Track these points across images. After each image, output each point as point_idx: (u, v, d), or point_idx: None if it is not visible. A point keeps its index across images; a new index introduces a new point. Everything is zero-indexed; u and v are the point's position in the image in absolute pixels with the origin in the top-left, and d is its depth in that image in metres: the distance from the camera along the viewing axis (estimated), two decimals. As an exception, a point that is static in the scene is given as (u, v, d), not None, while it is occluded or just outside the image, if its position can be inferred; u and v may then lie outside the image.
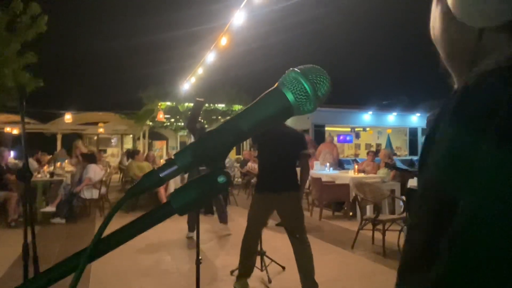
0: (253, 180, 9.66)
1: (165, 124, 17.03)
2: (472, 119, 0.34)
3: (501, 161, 0.31)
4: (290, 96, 0.45)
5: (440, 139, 0.38)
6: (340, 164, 13.06)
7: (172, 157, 0.46)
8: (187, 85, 12.55)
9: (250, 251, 3.50)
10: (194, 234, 5.48)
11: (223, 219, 5.63)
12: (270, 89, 0.47)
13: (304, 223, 3.43)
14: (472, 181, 0.32)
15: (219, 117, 15.60)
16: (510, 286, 0.30)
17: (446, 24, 0.50)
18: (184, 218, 5.60)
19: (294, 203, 3.39)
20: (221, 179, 0.44)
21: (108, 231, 0.44)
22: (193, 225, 5.52)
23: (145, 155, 10.15)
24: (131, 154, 9.74)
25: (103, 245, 0.43)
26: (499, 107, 0.32)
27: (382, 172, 7.30)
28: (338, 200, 7.35)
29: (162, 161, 12.36)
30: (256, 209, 3.48)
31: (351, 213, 6.94)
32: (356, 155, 17.86)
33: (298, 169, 3.57)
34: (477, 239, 0.31)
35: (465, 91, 0.37)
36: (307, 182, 7.50)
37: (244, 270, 3.46)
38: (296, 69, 0.46)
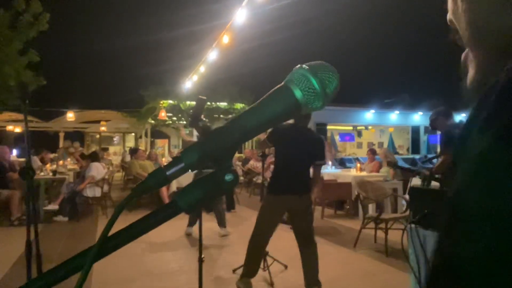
0: (255, 179, 9.67)
1: (167, 123, 17.04)
2: (509, 128, 0.30)
3: None
4: (298, 93, 0.44)
5: (472, 148, 0.34)
6: (342, 163, 13.06)
7: (178, 154, 0.46)
8: (189, 83, 12.55)
9: (258, 254, 3.46)
10: (193, 229, 5.53)
11: (222, 223, 5.61)
12: (277, 86, 0.46)
13: (313, 223, 3.45)
14: (504, 200, 0.29)
15: (221, 115, 15.60)
16: None
17: (471, 1, 0.44)
18: (187, 217, 5.60)
19: (307, 204, 3.40)
20: (228, 177, 0.44)
21: (110, 230, 0.44)
22: (193, 220, 5.54)
23: (147, 153, 10.16)
24: (133, 152, 9.76)
25: (109, 244, 0.43)
26: None
27: (384, 170, 7.28)
28: (340, 198, 7.34)
29: (165, 160, 12.38)
30: (270, 210, 3.42)
31: (352, 211, 6.93)
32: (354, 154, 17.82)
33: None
34: (503, 261, 0.29)
35: (503, 91, 0.33)
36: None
37: (249, 271, 3.42)
38: (304, 66, 0.45)
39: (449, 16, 0.49)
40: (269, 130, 3.36)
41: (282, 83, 0.46)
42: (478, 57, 0.46)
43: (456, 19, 0.47)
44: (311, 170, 3.55)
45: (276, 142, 3.48)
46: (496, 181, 0.30)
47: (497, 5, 0.41)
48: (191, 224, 5.57)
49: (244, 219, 6.51)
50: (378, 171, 7.43)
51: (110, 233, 0.43)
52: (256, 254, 3.44)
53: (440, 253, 0.36)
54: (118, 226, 0.45)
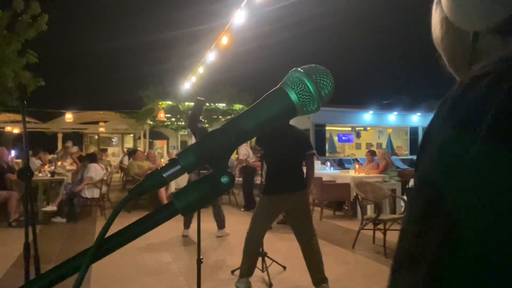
0: (254, 179, 9.63)
1: (165, 124, 17.04)
2: (463, 121, 0.36)
3: (488, 157, 0.32)
4: (293, 96, 0.45)
5: (433, 141, 0.39)
6: (340, 164, 13.07)
7: (175, 156, 0.46)
8: (187, 84, 12.56)
9: (254, 252, 3.51)
10: (189, 232, 5.52)
11: (221, 225, 5.60)
12: (273, 89, 0.46)
13: (312, 221, 3.47)
14: (460, 179, 0.33)
15: (220, 117, 15.60)
16: (501, 278, 0.30)
17: (445, 29, 0.50)
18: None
19: (304, 201, 3.45)
20: (224, 179, 0.44)
21: (108, 231, 0.44)
22: (188, 223, 5.54)
23: (145, 154, 10.15)
24: (131, 153, 9.75)
25: (106, 245, 0.43)
26: (488, 110, 0.34)
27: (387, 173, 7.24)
28: (339, 199, 7.34)
29: (163, 161, 12.37)
30: (265, 211, 3.47)
31: (350, 212, 6.94)
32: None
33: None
34: (465, 237, 0.32)
35: (458, 95, 0.38)
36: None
37: (247, 270, 3.47)
38: (299, 69, 0.46)
39: (433, 38, 0.56)
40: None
41: (278, 85, 0.46)
42: (456, 76, 0.54)
43: (436, 43, 0.55)
44: (304, 164, 3.58)
45: (264, 146, 3.52)
46: (454, 167, 0.34)
47: (460, 33, 0.48)
48: (186, 226, 5.57)
49: (243, 220, 6.50)
50: (375, 172, 7.43)
51: (108, 234, 0.43)
52: (253, 253, 3.48)
53: (404, 240, 0.39)
54: (116, 227, 0.45)
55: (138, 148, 14.52)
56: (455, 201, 0.33)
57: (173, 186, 7.01)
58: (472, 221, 0.32)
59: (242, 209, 7.96)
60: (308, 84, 0.45)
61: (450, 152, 0.36)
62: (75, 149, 10.88)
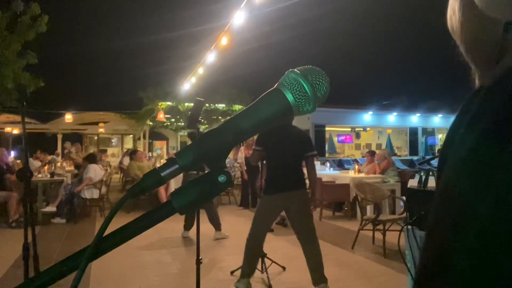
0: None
1: (165, 124, 17.03)
2: (494, 126, 0.33)
3: None
4: (289, 97, 0.45)
5: (460, 145, 0.36)
6: (340, 164, 13.07)
7: (173, 156, 0.47)
8: (187, 85, 12.56)
9: (256, 253, 3.52)
10: (190, 233, 5.51)
11: (217, 226, 5.57)
12: (270, 90, 0.47)
13: (312, 219, 3.47)
14: (491, 189, 0.31)
15: (220, 117, 15.61)
16: None
17: (467, 17, 0.47)
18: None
19: (303, 200, 3.46)
20: (221, 178, 0.45)
21: (108, 231, 0.44)
22: (189, 225, 5.51)
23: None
24: (131, 153, 9.73)
25: (104, 244, 0.44)
26: None
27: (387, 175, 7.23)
28: (339, 200, 7.35)
29: (163, 162, 12.35)
30: (265, 211, 3.49)
31: (350, 212, 6.94)
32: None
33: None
34: (493, 252, 0.30)
35: (487, 94, 0.36)
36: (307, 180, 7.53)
37: (248, 270, 3.47)
38: (295, 70, 0.47)
39: (449, 26, 0.52)
40: (255, 136, 3.43)
41: (275, 86, 0.47)
42: (476, 69, 0.49)
43: (453, 32, 0.50)
44: (305, 167, 3.59)
45: (264, 145, 3.53)
46: (483, 175, 0.32)
47: (486, 22, 0.44)
48: (187, 228, 5.55)
49: (242, 221, 6.51)
50: (375, 172, 7.42)
51: (106, 233, 0.44)
52: (254, 254, 3.49)
53: (431, 247, 0.37)
54: (115, 226, 0.46)
55: (138, 149, 14.52)
56: (488, 212, 0.31)
57: (173, 185, 7.01)
58: (503, 235, 0.30)
59: (241, 207, 8.08)
60: (304, 85, 0.45)
61: (479, 163, 0.33)
62: (74, 149, 10.87)
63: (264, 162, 3.84)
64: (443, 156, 0.39)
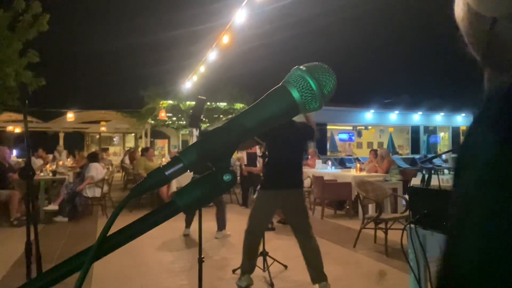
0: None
1: (167, 123, 17.04)
2: None
3: None
4: (295, 94, 0.44)
5: (477, 155, 0.34)
6: (342, 163, 13.06)
7: (177, 154, 0.46)
8: (189, 83, 12.55)
9: (254, 251, 3.52)
10: (190, 231, 5.51)
11: (222, 226, 5.55)
12: (275, 87, 0.46)
13: (309, 218, 3.47)
14: None
15: (221, 116, 15.61)
16: None
17: (466, 10, 0.47)
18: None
19: (300, 199, 3.48)
20: (227, 177, 0.44)
21: (110, 230, 0.44)
22: (190, 221, 5.53)
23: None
24: (143, 150, 9.69)
25: (108, 244, 0.43)
26: None
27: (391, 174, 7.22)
28: (340, 198, 7.34)
29: (164, 161, 12.33)
30: (263, 207, 3.49)
31: (352, 211, 6.93)
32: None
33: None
34: None
35: (502, 100, 0.34)
36: (309, 179, 7.54)
37: (247, 266, 3.49)
38: (301, 67, 0.46)
39: (457, 21, 0.51)
40: None
41: (280, 83, 0.46)
42: (486, 70, 0.48)
43: (459, 24, 0.49)
44: (305, 165, 3.62)
45: (266, 139, 3.53)
46: (506, 184, 0.30)
47: (475, 17, 0.43)
48: (187, 225, 5.57)
49: (244, 220, 6.49)
50: (376, 171, 7.42)
51: (110, 233, 0.43)
52: (252, 249, 3.49)
53: (448, 255, 0.35)
54: (118, 226, 0.45)
55: (139, 148, 14.53)
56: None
57: (175, 185, 7.02)
58: None
59: (242, 206, 8.09)
60: (311, 82, 0.44)
61: (501, 172, 0.31)
62: (64, 153, 10.95)
63: (262, 156, 3.82)
64: (461, 161, 0.37)
